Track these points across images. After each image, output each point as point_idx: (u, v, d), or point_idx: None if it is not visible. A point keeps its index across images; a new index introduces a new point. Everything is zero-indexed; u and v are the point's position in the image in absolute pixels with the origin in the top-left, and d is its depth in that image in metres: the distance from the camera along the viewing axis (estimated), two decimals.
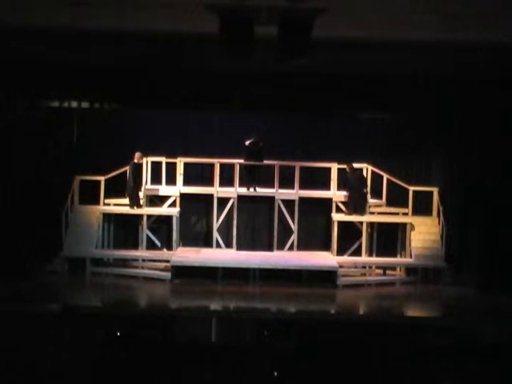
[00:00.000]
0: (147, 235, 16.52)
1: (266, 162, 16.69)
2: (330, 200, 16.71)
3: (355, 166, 16.60)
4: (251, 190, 16.76)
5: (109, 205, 16.64)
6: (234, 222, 16.71)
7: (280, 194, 16.67)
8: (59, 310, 11.94)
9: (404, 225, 16.51)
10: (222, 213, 16.78)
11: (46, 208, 15.79)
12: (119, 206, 16.63)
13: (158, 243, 16.79)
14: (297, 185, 16.60)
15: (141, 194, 16.43)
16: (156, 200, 16.95)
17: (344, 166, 16.62)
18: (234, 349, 10.36)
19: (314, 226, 17.24)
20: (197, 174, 17.37)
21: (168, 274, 15.23)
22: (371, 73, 14.36)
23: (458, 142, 16.39)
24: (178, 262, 15.37)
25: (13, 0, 10.76)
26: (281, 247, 16.74)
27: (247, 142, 16.53)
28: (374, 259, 16.68)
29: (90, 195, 16.49)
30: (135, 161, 16.26)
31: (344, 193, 16.60)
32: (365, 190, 16.41)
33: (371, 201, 16.63)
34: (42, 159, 15.89)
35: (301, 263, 15.62)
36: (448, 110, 15.81)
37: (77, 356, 9.55)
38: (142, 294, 15.12)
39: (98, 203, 16.49)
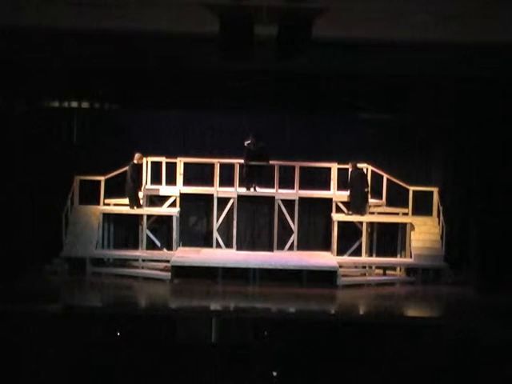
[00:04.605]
0: (147, 235, 16.52)
1: None
2: (330, 200, 16.70)
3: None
4: (251, 190, 16.75)
5: (109, 205, 16.64)
6: (234, 222, 16.71)
7: (280, 194, 16.67)
8: (59, 310, 11.94)
9: (404, 225, 16.51)
10: (222, 213, 16.78)
11: (46, 208, 15.79)
12: (119, 205, 16.63)
13: (158, 243, 16.78)
14: (297, 185, 16.60)
15: (140, 195, 16.43)
16: (156, 200, 16.95)
17: (344, 166, 16.63)
18: (233, 349, 10.35)
19: (314, 226, 17.25)
20: (197, 174, 17.36)
21: (168, 274, 15.24)
22: (371, 73, 14.36)
23: (458, 142, 16.39)
24: (178, 261, 15.37)
25: (13, 0, 10.76)
26: (281, 247, 16.74)
27: (246, 143, 16.54)
28: (374, 259, 16.68)
29: (90, 195, 16.49)
30: (135, 161, 16.26)
31: (345, 193, 16.60)
32: (366, 190, 16.41)
33: (371, 201, 16.63)
34: (42, 159, 15.88)
35: (301, 263, 15.62)
36: (448, 109, 15.81)
37: (77, 356, 9.55)
38: (142, 294, 15.13)
39: (98, 203, 16.49)
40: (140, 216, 16.47)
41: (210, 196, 16.76)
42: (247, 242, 16.96)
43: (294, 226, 16.73)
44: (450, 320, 13.02)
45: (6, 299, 12.61)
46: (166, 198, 16.80)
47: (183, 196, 16.77)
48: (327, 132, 17.25)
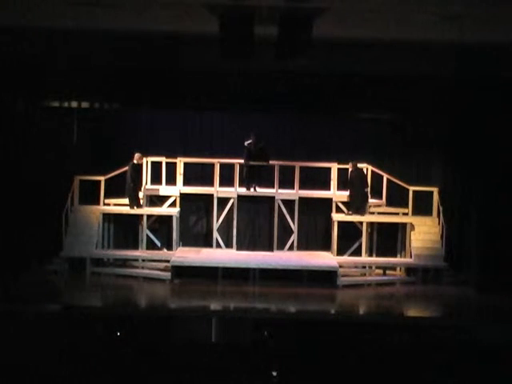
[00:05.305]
0: (147, 235, 16.52)
1: None
2: (330, 200, 16.70)
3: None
4: (251, 190, 16.75)
5: (109, 205, 16.64)
6: (234, 222, 16.71)
7: (280, 194, 16.66)
8: (59, 310, 11.94)
9: (404, 225, 16.51)
10: (222, 213, 16.78)
11: (46, 208, 15.78)
12: (119, 205, 16.63)
13: (157, 243, 16.78)
14: (297, 185, 16.60)
15: (140, 194, 16.43)
16: (156, 200, 16.95)
17: (344, 166, 16.63)
18: (233, 349, 10.35)
19: (314, 226, 17.25)
20: (197, 174, 17.36)
21: (168, 274, 15.23)
22: (371, 73, 14.36)
23: (458, 142, 16.39)
24: (178, 261, 15.37)
25: (13, 0, 10.77)
26: (281, 247, 16.74)
27: (246, 143, 16.53)
28: (374, 259, 16.68)
29: (90, 195, 16.49)
30: (134, 161, 16.26)
31: (345, 193, 16.60)
32: (366, 190, 16.41)
33: (371, 201, 16.63)
34: (41, 159, 15.87)
35: (301, 263, 15.62)
36: (448, 109, 15.80)
37: (77, 356, 9.54)
38: (141, 294, 15.12)
39: (98, 203, 16.49)
40: (140, 216, 16.46)
41: (210, 196, 16.75)
42: (247, 242, 16.95)
43: (294, 226, 16.73)
44: (449, 320, 13.01)
45: (6, 299, 12.61)
46: (165, 197, 16.80)
47: (183, 196, 16.76)
48: (327, 132, 17.25)
